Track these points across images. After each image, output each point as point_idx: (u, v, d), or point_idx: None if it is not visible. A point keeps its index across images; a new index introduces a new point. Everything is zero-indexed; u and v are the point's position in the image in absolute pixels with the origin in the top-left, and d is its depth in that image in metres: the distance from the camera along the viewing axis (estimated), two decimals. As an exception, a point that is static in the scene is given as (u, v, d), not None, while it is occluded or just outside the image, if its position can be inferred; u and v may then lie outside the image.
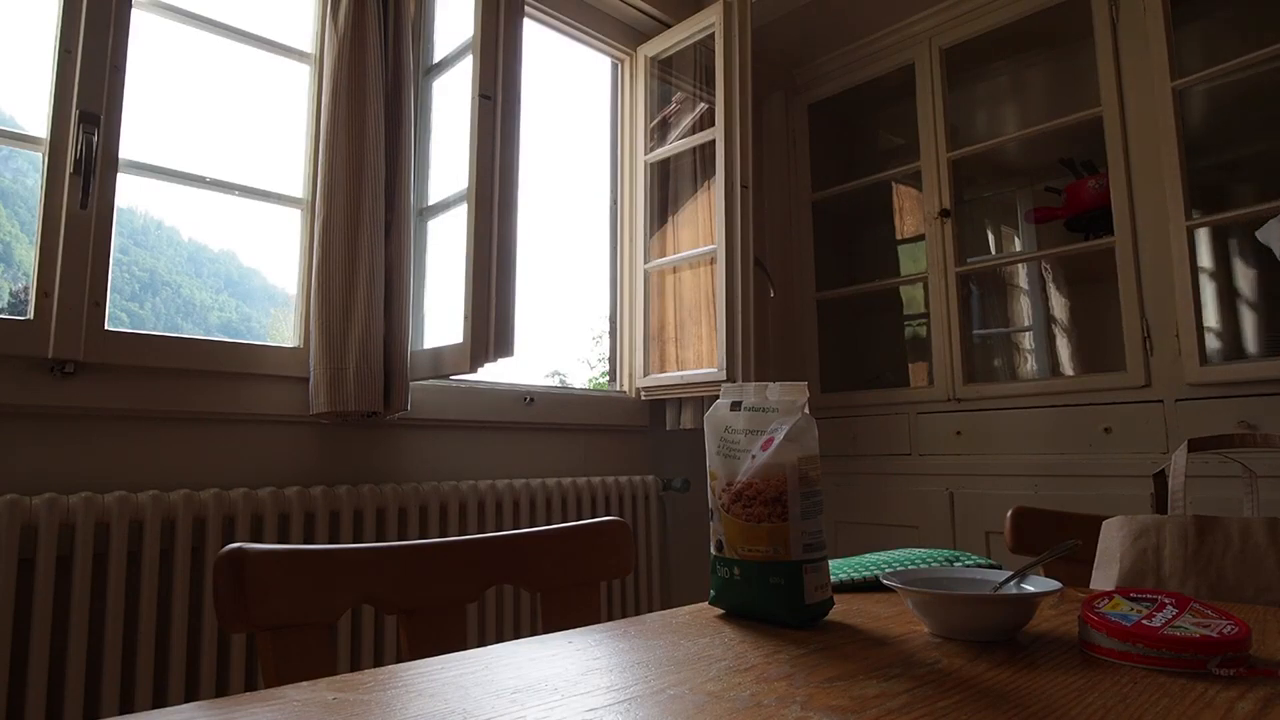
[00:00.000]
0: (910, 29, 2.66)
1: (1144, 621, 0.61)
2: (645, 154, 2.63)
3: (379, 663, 1.74)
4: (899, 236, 3.02)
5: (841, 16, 2.69)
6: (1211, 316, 2.11)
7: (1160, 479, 1.09)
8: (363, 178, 1.82)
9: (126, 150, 1.64)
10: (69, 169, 1.54)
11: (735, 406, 0.79)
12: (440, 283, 1.94)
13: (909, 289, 2.96)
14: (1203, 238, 2.08)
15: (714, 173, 2.43)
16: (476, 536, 0.86)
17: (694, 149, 2.57)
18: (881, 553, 1.04)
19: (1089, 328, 2.62)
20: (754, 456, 0.76)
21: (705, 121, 2.59)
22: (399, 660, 1.77)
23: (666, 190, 2.65)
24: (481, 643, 1.75)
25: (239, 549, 0.66)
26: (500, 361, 1.85)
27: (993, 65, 2.80)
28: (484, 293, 1.74)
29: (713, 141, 2.44)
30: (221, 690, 1.57)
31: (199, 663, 1.52)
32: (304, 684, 0.55)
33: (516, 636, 1.80)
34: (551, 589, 0.85)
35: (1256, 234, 1.96)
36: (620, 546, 0.87)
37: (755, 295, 2.38)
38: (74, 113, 1.55)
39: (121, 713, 1.43)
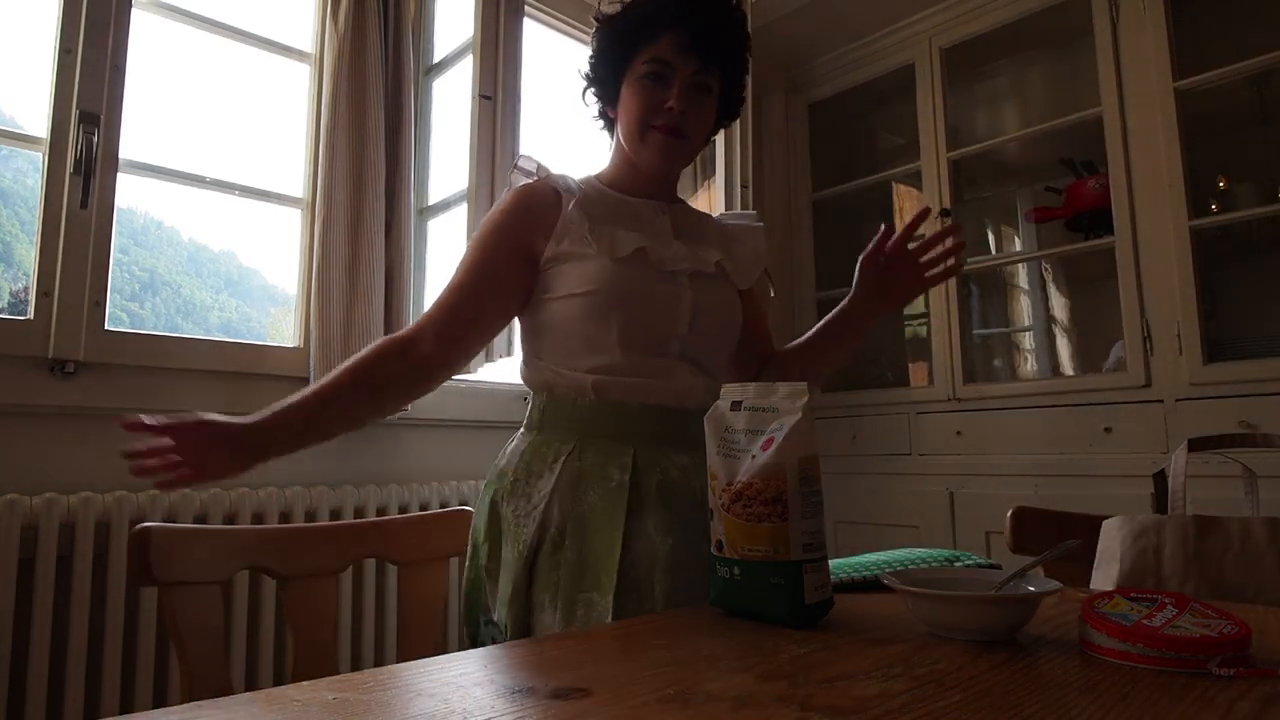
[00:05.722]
0: (910, 29, 2.66)
1: (1144, 621, 0.61)
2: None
3: (380, 662, 1.74)
4: (899, 236, 3.01)
5: (841, 16, 2.69)
6: (1211, 316, 2.11)
7: (1160, 479, 1.09)
8: (363, 178, 1.82)
9: (126, 150, 1.64)
10: (69, 169, 1.54)
11: (735, 406, 0.79)
12: (440, 283, 1.93)
13: (909, 289, 2.95)
14: (1203, 238, 2.08)
15: (714, 172, 2.43)
16: (345, 522, 1.17)
17: (694, 149, 2.57)
18: (881, 553, 1.04)
19: (1089, 328, 2.62)
20: (754, 456, 0.76)
21: (705, 121, 2.59)
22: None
23: (666, 190, 2.65)
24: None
25: (145, 527, 0.86)
26: (500, 361, 1.85)
27: (993, 65, 2.80)
28: (484, 293, 1.74)
29: (712, 141, 2.44)
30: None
31: (199, 663, 1.52)
32: (304, 684, 0.55)
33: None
34: (409, 562, 1.06)
35: None
36: (461, 529, 1.10)
37: (755, 295, 2.38)
38: (74, 113, 1.54)
39: (121, 712, 1.43)
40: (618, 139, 1.09)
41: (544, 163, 1.08)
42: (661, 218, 1.08)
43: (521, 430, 1.07)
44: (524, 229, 1.02)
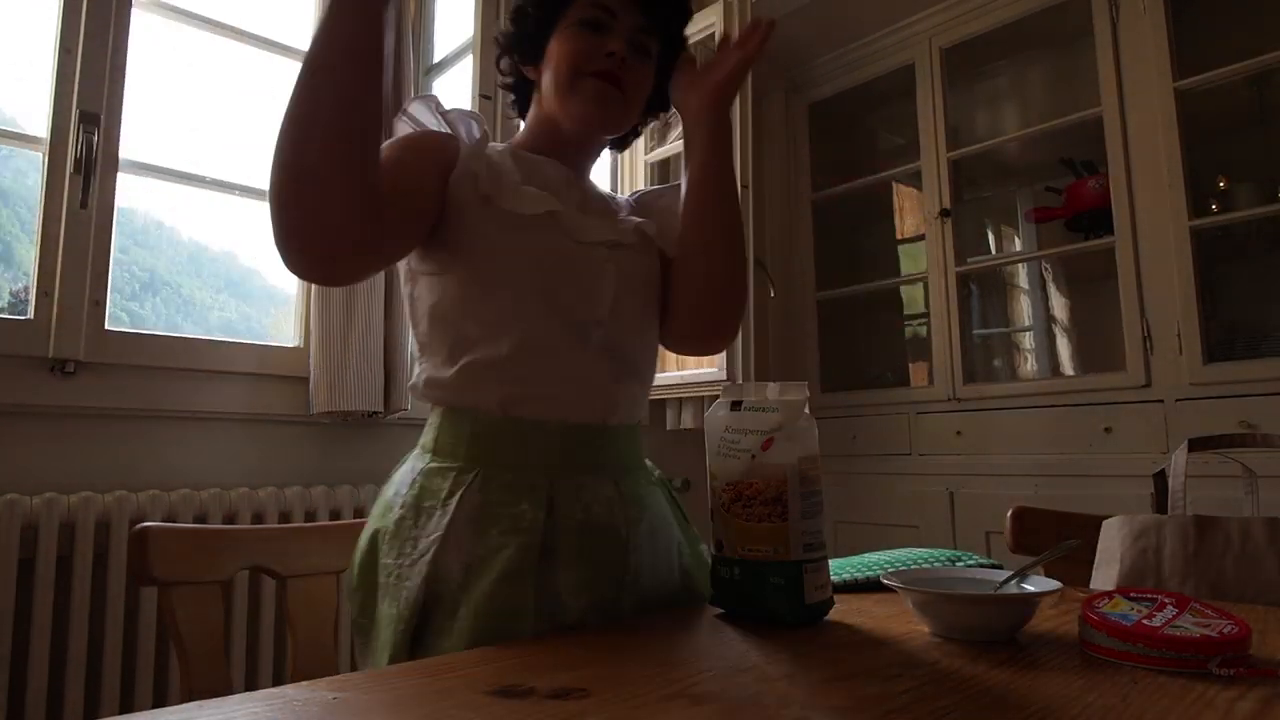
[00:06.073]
0: (910, 29, 2.66)
1: (1144, 621, 0.61)
2: (645, 154, 2.63)
3: (379, 663, 1.74)
4: (899, 236, 3.01)
5: (841, 16, 2.69)
6: (1211, 316, 2.11)
7: (1160, 479, 1.09)
8: (363, 178, 1.82)
9: (126, 150, 1.64)
10: (69, 169, 1.54)
11: (735, 406, 0.79)
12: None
13: (909, 289, 2.95)
14: (1203, 238, 2.08)
15: (714, 173, 2.43)
16: (345, 522, 1.08)
17: (694, 149, 2.57)
18: (881, 553, 1.04)
19: (1089, 328, 2.62)
20: (754, 456, 0.76)
21: (705, 121, 2.59)
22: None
23: (666, 190, 2.65)
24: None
25: (145, 527, 0.86)
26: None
27: (993, 65, 2.80)
28: (484, 293, 1.74)
29: (713, 141, 2.44)
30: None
31: (199, 663, 1.52)
32: (304, 684, 0.55)
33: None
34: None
35: None
36: None
37: (755, 295, 2.38)
38: (74, 113, 1.55)
39: (121, 712, 1.43)
40: (535, 106, 0.95)
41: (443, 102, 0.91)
42: (573, 189, 0.93)
43: (417, 449, 0.88)
44: (422, 154, 0.84)
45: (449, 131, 0.87)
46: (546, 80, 0.91)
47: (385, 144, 0.81)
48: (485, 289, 0.83)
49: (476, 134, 0.87)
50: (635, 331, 0.91)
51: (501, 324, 0.82)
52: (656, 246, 0.95)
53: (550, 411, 0.83)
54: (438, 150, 0.85)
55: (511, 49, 0.96)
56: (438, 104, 0.89)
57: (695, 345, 1.04)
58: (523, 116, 0.98)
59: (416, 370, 0.89)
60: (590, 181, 1.00)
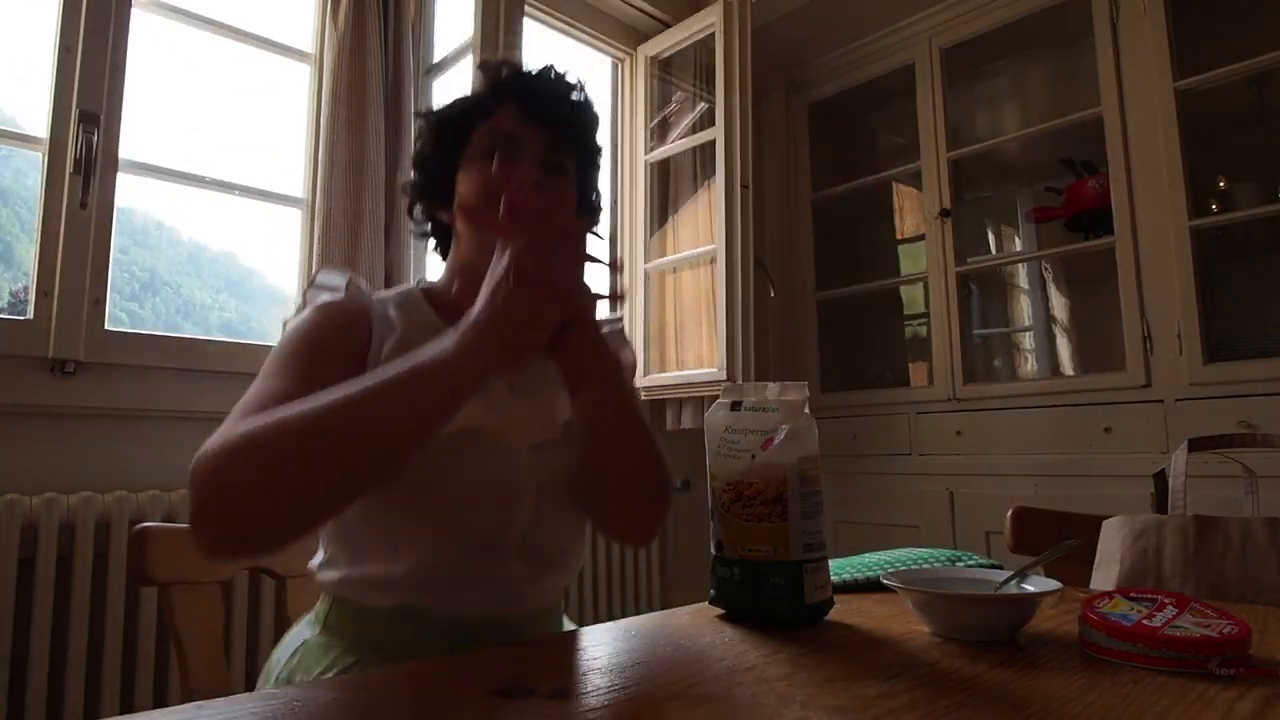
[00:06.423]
0: (910, 29, 2.66)
1: (1144, 621, 0.61)
2: (645, 154, 2.63)
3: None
4: (899, 236, 3.02)
5: (841, 16, 2.69)
6: (1211, 316, 2.11)
7: (1160, 479, 1.09)
8: (363, 178, 1.82)
9: (126, 150, 1.64)
10: (69, 169, 1.54)
11: (735, 406, 0.79)
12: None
13: (909, 289, 2.95)
14: (1203, 238, 2.08)
15: (714, 172, 2.43)
16: None
17: (694, 149, 2.57)
18: (882, 553, 1.04)
19: (1089, 328, 2.62)
20: (754, 456, 0.76)
21: (705, 121, 2.59)
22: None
23: (666, 190, 2.65)
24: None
25: (145, 527, 0.86)
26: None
27: (993, 65, 2.80)
28: (484, 293, 1.74)
29: (713, 141, 2.44)
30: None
31: (199, 663, 1.52)
32: (304, 684, 0.55)
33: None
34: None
35: None
36: None
37: (755, 295, 2.38)
38: (74, 113, 1.54)
39: (121, 712, 1.43)
40: (454, 250, 0.88)
41: (355, 277, 0.84)
42: None
43: (310, 615, 0.83)
44: (343, 345, 0.77)
45: (363, 308, 0.80)
46: (458, 218, 0.85)
47: (288, 339, 0.75)
48: (389, 506, 0.76)
49: (394, 322, 0.80)
50: (560, 526, 0.84)
51: (404, 542, 0.76)
52: None
53: (445, 606, 0.77)
54: (351, 342, 0.77)
55: (421, 196, 0.90)
56: (349, 280, 0.82)
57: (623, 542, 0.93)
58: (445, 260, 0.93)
59: (319, 551, 0.83)
60: None
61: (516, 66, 0.88)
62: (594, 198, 0.93)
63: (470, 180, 0.83)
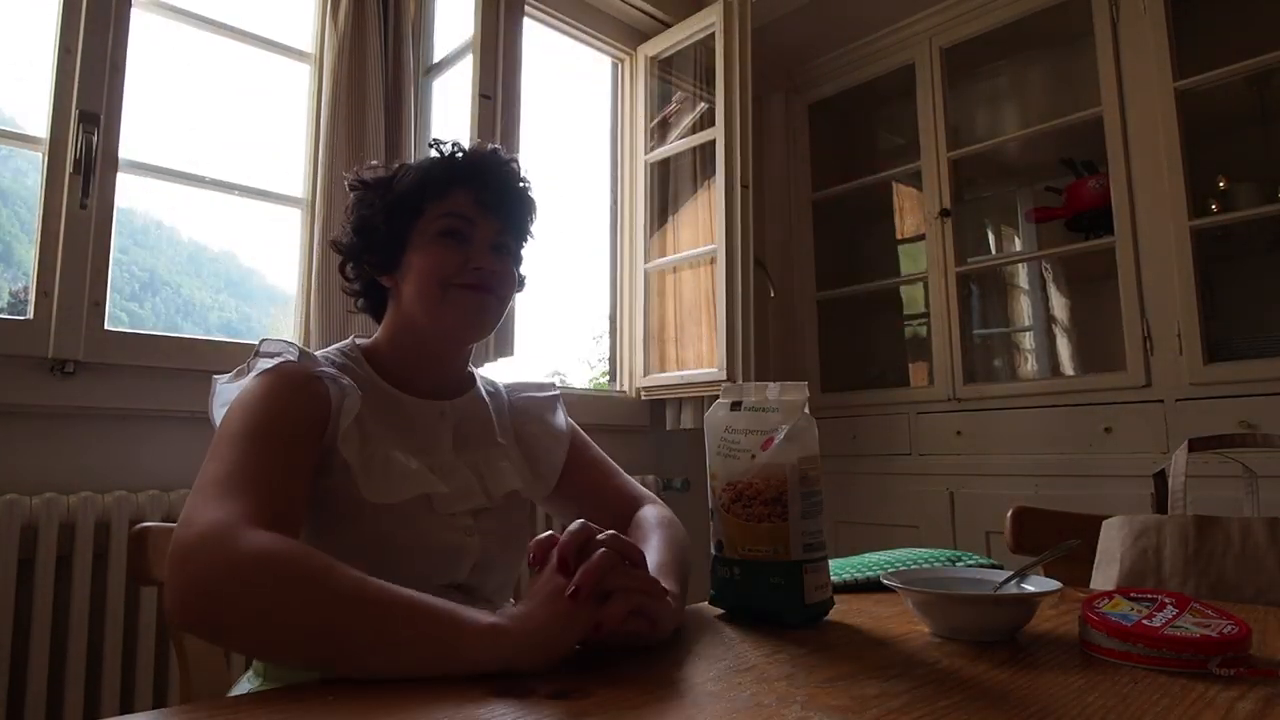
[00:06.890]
0: (910, 29, 2.66)
1: (1144, 621, 0.61)
2: (645, 154, 2.63)
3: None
4: (899, 236, 3.02)
5: (841, 16, 2.69)
6: (1211, 316, 2.11)
7: (1160, 479, 1.09)
8: (363, 178, 1.82)
9: (126, 150, 1.64)
10: (69, 169, 1.54)
11: (735, 406, 0.79)
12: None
13: (909, 289, 2.95)
14: (1203, 238, 2.08)
15: (714, 172, 2.43)
16: None
17: (694, 149, 2.57)
18: (882, 553, 1.04)
19: (1089, 328, 2.62)
20: (754, 456, 0.76)
21: (705, 121, 2.59)
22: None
23: (666, 190, 2.65)
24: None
25: (145, 527, 0.87)
26: (500, 361, 1.85)
27: (993, 65, 2.80)
28: (484, 293, 1.74)
29: (713, 141, 2.44)
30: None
31: (199, 663, 1.52)
32: (304, 684, 0.55)
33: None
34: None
35: None
36: None
37: (755, 295, 2.38)
38: (74, 113, 1.54)
39: (121, 712, 1.43)
40: (394, 311, 0.93)
41: (298, 344, 0.85)
42: (441, 424, 0.91)
43: (250, 670, 0.85)
44: (302, 412, 0.78)
45: (315, 376, 0.81)
46: (411, 292, 0.89)
47: (239, 414, 0.75)
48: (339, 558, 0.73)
49: (344, 388, 0.82)
50: (495, 573, 0.90)
51: None
52: (528, 501, 0.96)
53: None
54: (308, 410, 0.79)
55: (359, 259, 0.94)
56: (299, 349, 0.83)
57: None
58: (374, 318, 0.97)
59: None
60: (464, 393, 0.96)
61: (469, 151, 0.93)
62: (520, 274, 1.01)
63: (429, 259, 0.88)
